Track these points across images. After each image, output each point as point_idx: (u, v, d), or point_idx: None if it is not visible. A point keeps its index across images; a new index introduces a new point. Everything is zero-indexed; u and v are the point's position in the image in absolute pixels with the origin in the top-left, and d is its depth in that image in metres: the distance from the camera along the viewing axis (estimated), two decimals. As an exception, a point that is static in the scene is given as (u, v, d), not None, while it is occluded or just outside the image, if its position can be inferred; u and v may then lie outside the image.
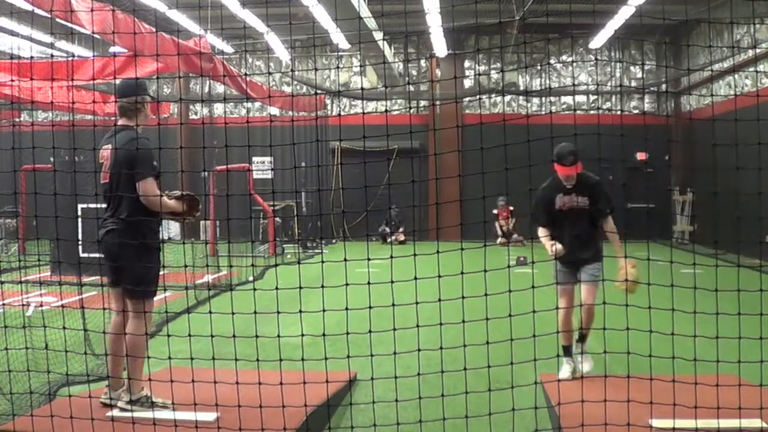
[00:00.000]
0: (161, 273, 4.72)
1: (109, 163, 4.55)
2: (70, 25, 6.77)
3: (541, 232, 5.64)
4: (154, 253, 4.57)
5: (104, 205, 4.64)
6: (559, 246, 5.39)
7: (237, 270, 11.21)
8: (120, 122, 4.66)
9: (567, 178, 5.48)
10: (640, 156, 19.25)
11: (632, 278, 5.16)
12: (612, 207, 5.58)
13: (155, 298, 4.71)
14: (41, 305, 7.92)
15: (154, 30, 7.80)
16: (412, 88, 19.61)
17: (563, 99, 20.44)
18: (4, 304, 6.61)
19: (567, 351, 5.59)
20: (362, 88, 20.03)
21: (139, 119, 4.66)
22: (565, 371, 5.55)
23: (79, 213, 8.41)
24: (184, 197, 4.68)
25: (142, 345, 4.45)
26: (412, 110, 20.64)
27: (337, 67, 20.45)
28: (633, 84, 19.98)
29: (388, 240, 18.47)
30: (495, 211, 18.55)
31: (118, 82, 5.08)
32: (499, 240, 18.34)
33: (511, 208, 18.47)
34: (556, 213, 5.55)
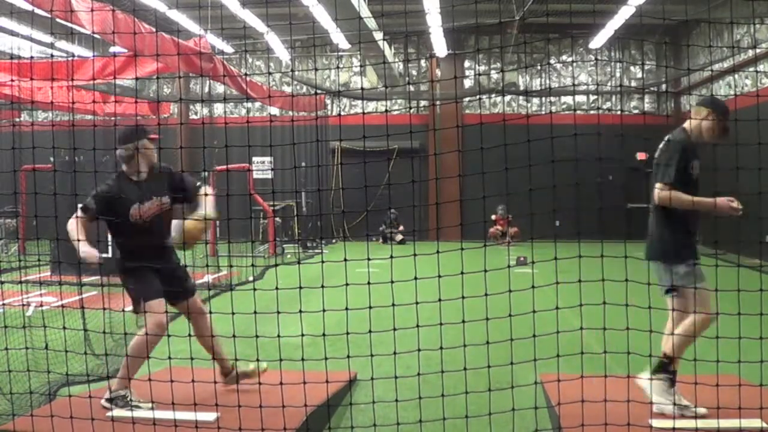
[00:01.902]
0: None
1: None
2: (70, 25, 6.78)
3: (672, 194, 4.26)
4: (135, 271, 4.61)
5: None
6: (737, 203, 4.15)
7: (237, 270, 11.21)
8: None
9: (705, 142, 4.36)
10: (640, 156, 19.23)
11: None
12: None
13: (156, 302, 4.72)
14: (41, 305, 7.92)
15: (154, 30, 7.81)
16: (412, 88, 19.59)
17: (563, 99, 20.43)
18: (4, 304, 6.61)
19: (673, 371, 4.39)
20: (362, 88, 20.02)
21: (133, 165, 4.66)
22: (681, 401, 4.32)
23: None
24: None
25: (137, 346, 4.47)
26: (412, 110, 20.64)
27: (337, 67, 20.45)
28: (633, 84, 19.96)
29: (388, 240, 18.52)
30: (493, 217, 18.55)
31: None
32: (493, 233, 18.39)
33: (510, 217, 18.45)
34: (688, 180, 4.36)
